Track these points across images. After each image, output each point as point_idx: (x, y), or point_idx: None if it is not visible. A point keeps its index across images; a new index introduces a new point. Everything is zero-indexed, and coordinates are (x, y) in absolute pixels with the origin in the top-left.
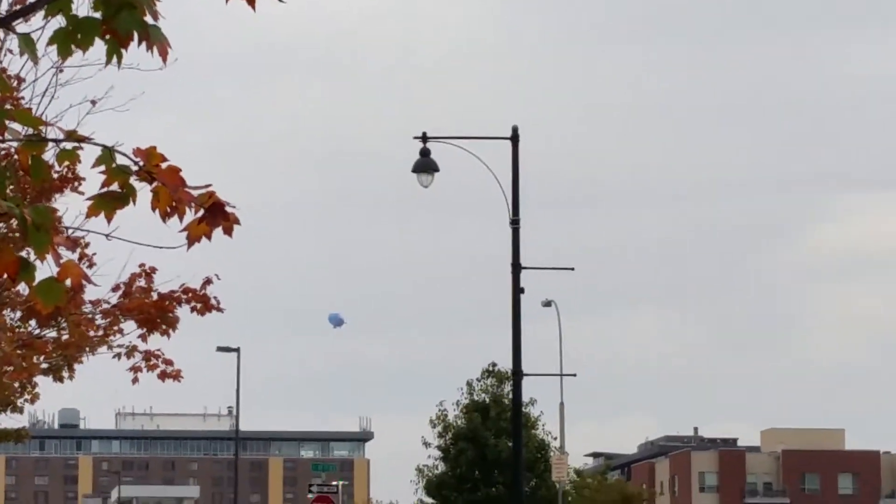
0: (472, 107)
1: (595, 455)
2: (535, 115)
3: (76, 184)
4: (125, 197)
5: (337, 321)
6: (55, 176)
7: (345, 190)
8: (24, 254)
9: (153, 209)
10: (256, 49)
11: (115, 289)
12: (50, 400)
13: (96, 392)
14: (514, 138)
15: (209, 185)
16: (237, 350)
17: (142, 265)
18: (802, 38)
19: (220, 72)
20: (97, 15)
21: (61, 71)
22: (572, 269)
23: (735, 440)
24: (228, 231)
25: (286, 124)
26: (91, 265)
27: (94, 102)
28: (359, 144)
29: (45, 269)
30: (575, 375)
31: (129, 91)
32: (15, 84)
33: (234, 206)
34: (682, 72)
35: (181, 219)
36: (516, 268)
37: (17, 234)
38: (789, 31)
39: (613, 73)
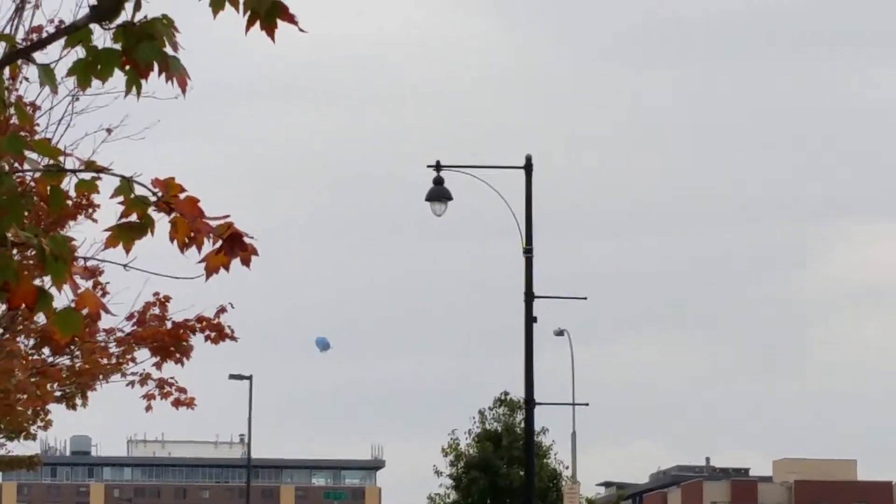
0: (486, 133)
1: (607, 484)
2: (549, 143)
3: (90, 210)
4: (144, 227)
5: (323, 345)
6: (69, 203)
7: (357, 216)
8: (40, 283)
9: (171, 239)
10: (268, 74)
11: (129, 317)
12: (61, 427)
13: (108, 419)
14: (528, 167)
15: (227, 216)
16: (249, 378)
17: (156, 294)
18: (818, 62)
19: (233, 96)
20: (117, 46)
21: (77, 99)
22: (585, 298)
23: (747, 470)
24: (246, 262)
25: (299, 149)
26: (105, 294)
27: (109, 131)
28: (372, 170)
29: (60, 299)
30: (587, 405)
31: (145, 117)
32: (31, 112)
33: (252, 237)
34: (692, 98)
35: (199, 249)
36: (529, 297)
37: (33, 263)
38: (808, 58)
39: (623, 100)
